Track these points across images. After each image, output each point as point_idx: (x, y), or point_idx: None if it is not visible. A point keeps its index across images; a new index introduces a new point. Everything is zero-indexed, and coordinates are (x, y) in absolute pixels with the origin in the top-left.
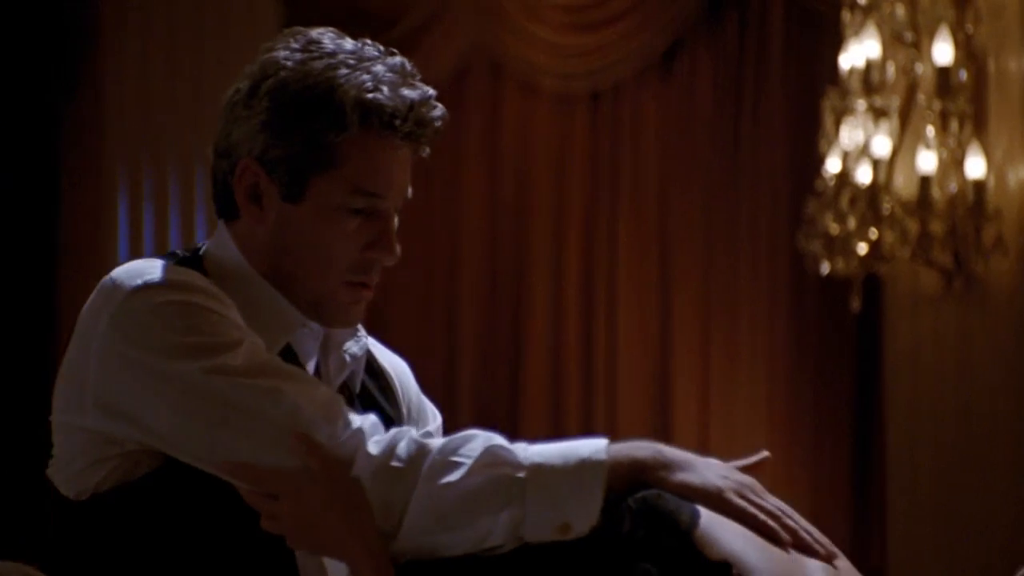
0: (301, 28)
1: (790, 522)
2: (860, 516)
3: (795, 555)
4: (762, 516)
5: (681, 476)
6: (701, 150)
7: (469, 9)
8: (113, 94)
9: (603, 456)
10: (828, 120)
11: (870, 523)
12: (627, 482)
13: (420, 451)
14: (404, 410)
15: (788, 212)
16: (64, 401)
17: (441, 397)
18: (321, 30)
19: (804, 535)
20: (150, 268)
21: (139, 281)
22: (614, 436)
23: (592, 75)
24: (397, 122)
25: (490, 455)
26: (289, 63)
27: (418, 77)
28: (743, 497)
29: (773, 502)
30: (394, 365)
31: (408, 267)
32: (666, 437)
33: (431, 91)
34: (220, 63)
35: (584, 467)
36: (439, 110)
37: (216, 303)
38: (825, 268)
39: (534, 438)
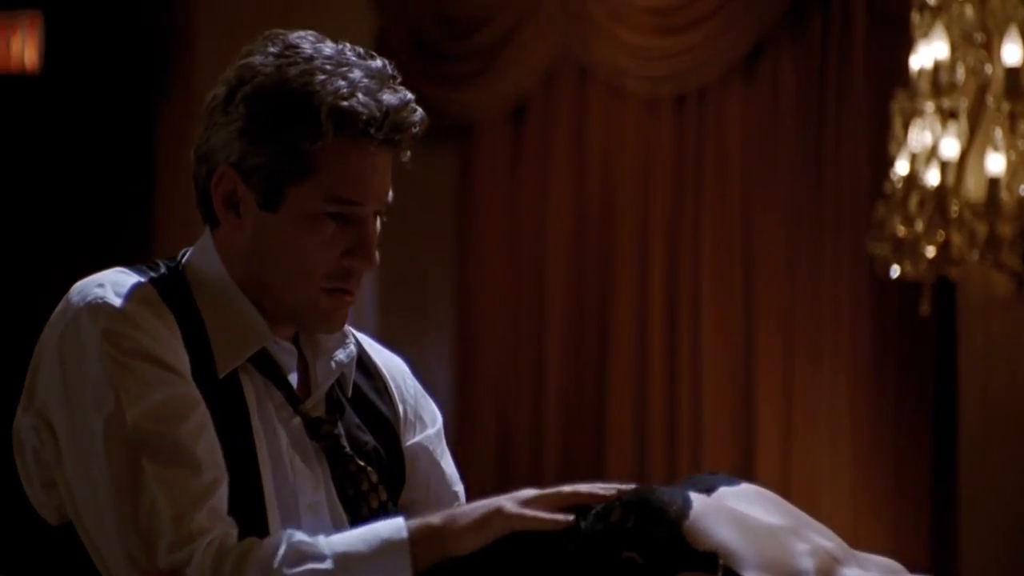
0: (281, 31)
1: (566, 490)
2: (940, 518)
3: (784, 543)
4: (538, 514)
5: (466, 521)
6: (784, 153)
7: (556, 13)
8: (206, 93)
9: (404, 534)
10: (897, 122)
11: (948, 525)
12: (433, 551)
13: (241, 561)
14: (401, 410)
15: (869, 216)
16: (26, 399)
17: (528, 399)
18: (301, 33)
19: (585, 492)
20: (103, 288)
21: (82, 301)
22: (699, 436)
23: (677, 78)
24: (372, 129)
25: (295, 552)
26: (265, 69)
27: (398, 81)
28: (522, 504)
29: (552, 491)
30: (389, 366)
31: (496, 270)
32: (749, 439)
33: (409, 96)
34: None
35: (388, 548)
36: (417, 115)
37: (156, 344)
38: (895, 271)
39: (620, 437)
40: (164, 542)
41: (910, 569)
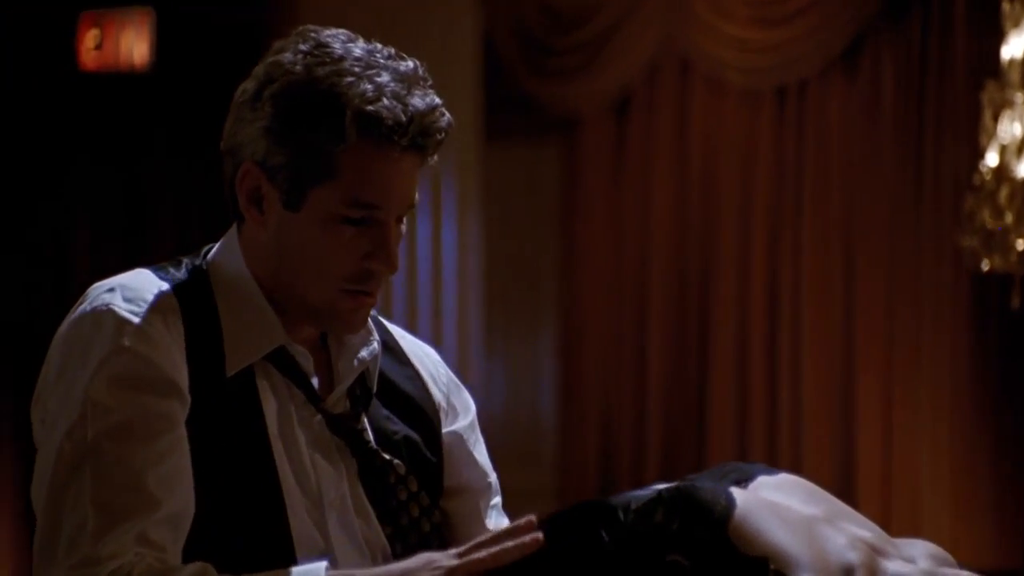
0: (314, 28)
1: (481, 554)
2: None
3: (824, 536)
4: (481, 554)
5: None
6: (884, 146)
7: (659, 6)
8: None
9: None
10: (987, 113)
11: None
12: None
13: None
14: (436, 397)
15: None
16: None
17: (632, 390)
18: (333, 31)
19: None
20: (112, 293)
21: (89, 306)
22: (798, 430)
23: (777, 70)
24: (396, 134)
25: None
26: (294, 68)
27: (428, 83)
28: (456, 555)
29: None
30: (420, 355)
31: (600, 262)
32: (848, 430)
33: (437, 100)
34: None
35: None
36: (444, 120)
37: (149, 360)
38: (985, 265)
39: (720, 425)
40: (72, 560)
41: (1011, 573)
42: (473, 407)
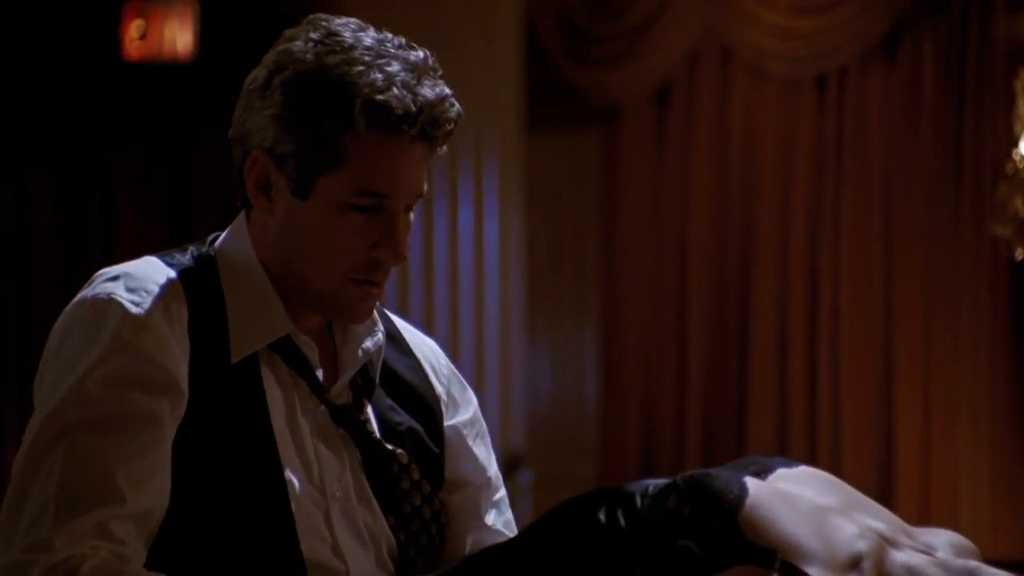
0: (324, 16)
1: None
2: None
3: (834, 525)
4: None
5: None
6: (924, 134)
7: None
8: None
9: None
10: (1020, 101)
11: None
12: None
13: None
14: (438, 387)
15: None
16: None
17: (672, 378)
18: (344, 20)
19: None
20: (115, 282)
21: (91, 293)
22: (838, 420)
23: (817, 59)
24: (406, 124)
25: None
26: (304, 56)
27: (438, 74)
28: None
29: None
30: (422, 347)
31: (640, 251)
32: (889, 422)
33: (447, 91)
34: (459, 58)
35: None
36: (454, 110)
37: (144, 354)
38: (1019, 254)
39: (760, 413)
40: (28, 540)
41: None
42: (475, 402)
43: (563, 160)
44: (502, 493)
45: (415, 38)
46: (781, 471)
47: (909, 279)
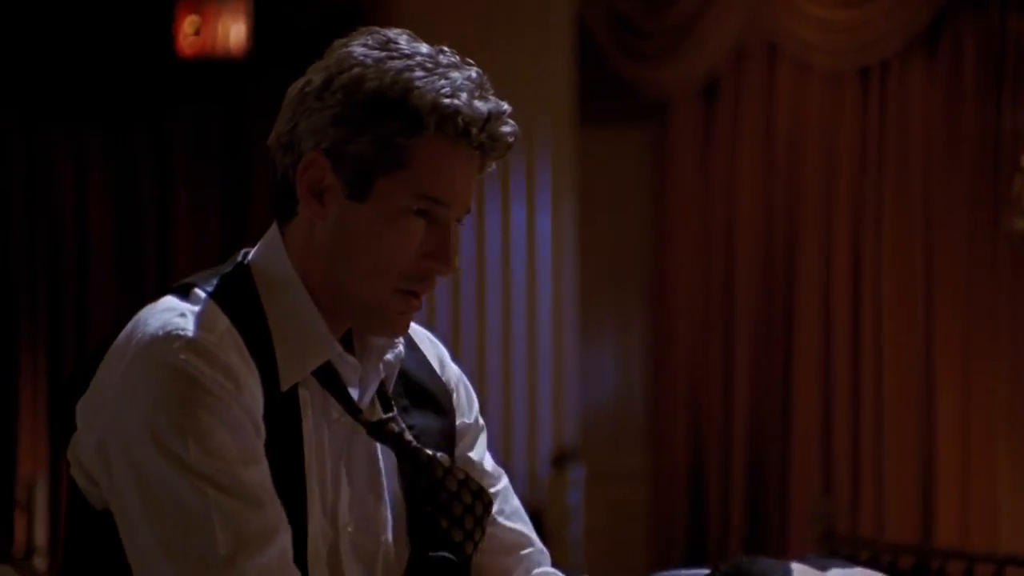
0: (377, 28)
1: None
2: None
3: None
4: None
5: None
6: (966, 126)
7: None
8: None
9: None
10: None
11: None
12: None
13: None
14: (447, 382)
15: None
16: (87, 407)
17: (719, 374)
18: (397, 31)
19: None
20: (184, 318)
21: (161, 332)
22: (881, 414)
23: (859, 51)
24: (473, 131)
25: None
26: (367, 60)
27: (492, 92)
28: None
29: None
30: (425, 341)
31: (688, 245)
32: (929, 412)
33: (506, 106)
34: (511, 53)
35: None
36: (511, 127)
37: (230, 384)
38: None
39: (805, 408)
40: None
41: None
42: (476, 406)
43: (613, 155)
44: (505, 482)
45: (469, 35)
46: (835, 571)
47: (950, 269)
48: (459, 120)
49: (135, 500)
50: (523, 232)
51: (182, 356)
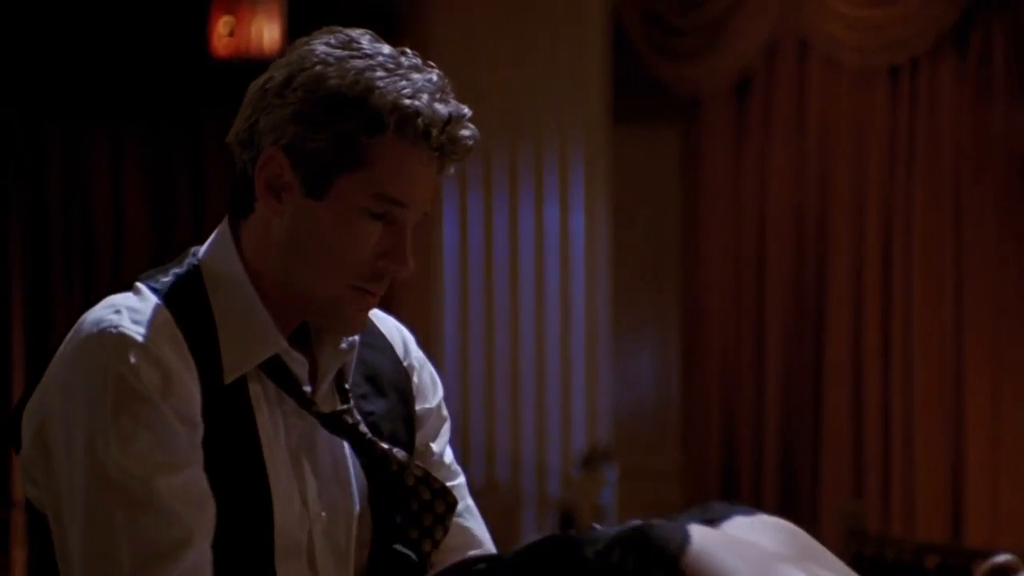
0: (339, 27)
1: None
2: None
3: (780, 572)
4: None
5: None
6: (995, 123)
7: None
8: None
9: None
10: None
11: None
12: None
13: None
14: (406, 366)
15: None
16: (29, 410)
17: (751, 372)
18: (360, 31)
19: None
20: (119, 315)
21: (95, 329)
22: (911, 414)
23: (889, 49)
24: (433, 132)
25: None
26: (329, 58)
27: (452, 95)
28: None
29: None
30: (391, 330)
31: (721, 244)
32: (958, 413)
33: (466, 111)
34: (545, 51)
35: None
36: (470, 131)
37: (166, 383)
38: None
39: (836, 410)
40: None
41: None
42: (440, 390)
43: (645, 154)
44: (461, 479)
45: (503, 34)
46: (737, 519)
47: (980, 267)
48: (419, 121)
49: (63, 496)
50: (556, 231)
51: (111, 353)
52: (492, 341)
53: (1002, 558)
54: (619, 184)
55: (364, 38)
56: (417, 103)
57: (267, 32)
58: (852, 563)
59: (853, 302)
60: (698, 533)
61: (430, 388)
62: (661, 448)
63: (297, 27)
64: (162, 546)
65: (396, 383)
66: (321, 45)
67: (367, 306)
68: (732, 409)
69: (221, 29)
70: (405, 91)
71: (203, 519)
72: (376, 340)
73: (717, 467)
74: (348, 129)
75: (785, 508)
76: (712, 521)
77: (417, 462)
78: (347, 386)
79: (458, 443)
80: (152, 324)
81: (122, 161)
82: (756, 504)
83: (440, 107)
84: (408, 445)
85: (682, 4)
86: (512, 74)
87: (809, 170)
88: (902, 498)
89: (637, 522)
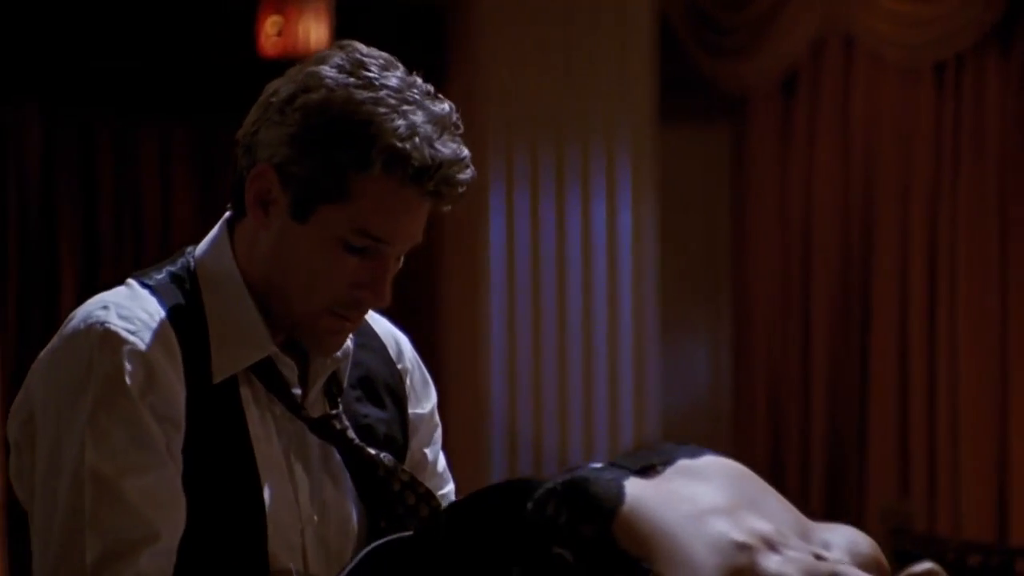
0: (354, 45)
1: None
2: None
3: (716, 535)
4: None
5: None
6: None
7: None
8: (489, 74)
9: None
10: None
11: None
12: None
13: None
14: (400, 369)
15: None
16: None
17: (798, 368)
18: (376, 54)
19: None
20: (106, 311)
21: (83, 323)
22: (956, 411)
23: (933, 45)
24: (423, 176)
25: None
26: (334, 84)
27: (459, 131)
28: None
29: None
30: (385, 332)
31: (768, 243)
32: (1004, 412)
33: (465, 152)
34: (593, 49)
35: None
36: (467, 173)
37: (146, 382)
38: None
39: (882, 408)
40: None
41: None
42: (434, 399)
43: (692, 151)
44: (451, 487)
45: (550, 32)
46: (682, 462)
47: None
48: (409, 165)
49: (36, 487)
50: (603, 230)
51: (96, 349)
52: (539, 341)
53: (922, 567)
54: (668, 184)
55: (374, 65)
56: (409, 145)
57: (315, 32)
58: (895, 561)
59: (899, 300)
60: (634, 490)
61: (423, 392)
62: (714, 446)
63: (345, 27)
64: (124, 545)
65: (390, 386)
66: (330, 69)
67: (343, 330)
68: (779, 409)
69: (269, 29)
70: (400, 130)
71: (170, 519)
72: (370, 341)
73: (765, 467)
74: (337, 161)
75: (832, 508)
76: (654, 467)
77: (404, 467)
78: (343, 387)
79: (506, 442)
80: (139, 320)
81: (170, 158)
82: (804, 503)
83: (437, 149)
84: (402, 448)
85: (729, 2)
86: (559, 72)
87: (854, 167)
88: (948, 497)
89: (577, 471)
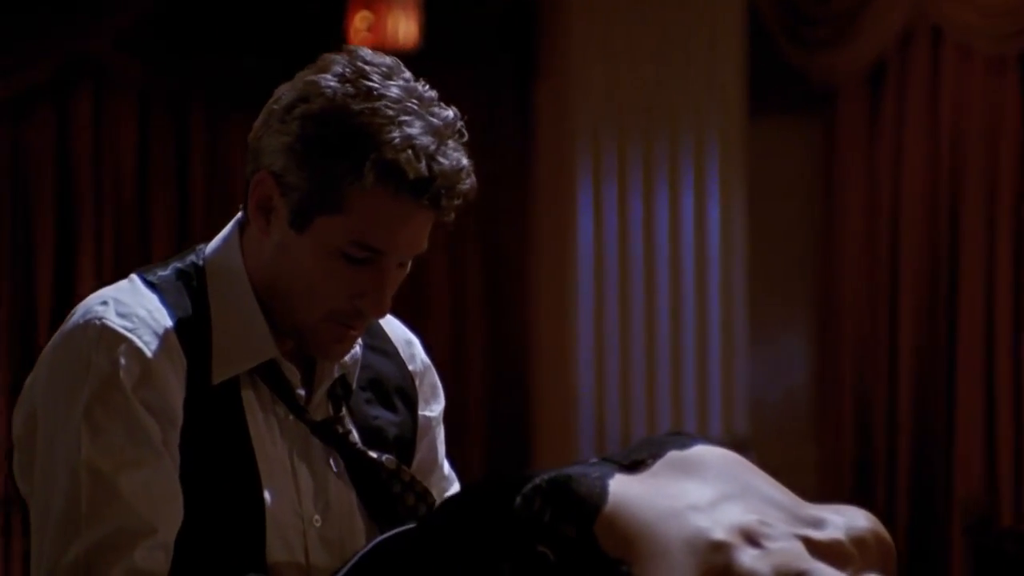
0: (358, 51)
1: None
2: None
3: (694, 535)
4: None
5: None
6: None
7: None
8: (580, 72)
9: None
10: None
11: None
12: None
13: None
14: (412, 371)
15: None
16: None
17: (884, 363)
18: (380, 59)
19: None
20: (105, 306)
21: (82, 319)
22: None
23: (1020, 35)
24: (415, 191)
25: None
26: (333, 95)
27: (463, 139)
28: None
29: None
30: (396, 333)
31: (856, 237)
32: None
33: (464, 162)
34: (682, 43)
35: None
36: (467, 182)
37: (141, 378)
38: None
39: (969, 401)
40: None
41: None
42: (442, 400)
43: (782, 144)
44: (456, 488)
45: (641, 26)
46: (671, 455)
47: None
48: (403, 178)
49: (35, 480)
50: (691, 222)
51: (93, 344)
52: (628, 333)
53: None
54: (758, 176)
55: (376, 73)
56: (403, 156)
57: (403, 27)
58: (974, 556)
59: (985, 293)
60: (617, 489)
61: (430, 392)
62: (797, 440)
63: (434, 22)
64: (119, 538)
65: (401, 388)
66: (330, 78)
67: (347, 338)
68: (866, 401)
69: (358, 24)
70: (395, 142)
71: (166, 514)
72: (382, 344)
73: (852, 459)
74: (332, 173)
75: (918, 501)
76: (644, 462)
77: (404, 466)
78: (352, 389)
79: (595, 434)
80: (137, 318)
81: None
82: (889, 497)
83: (436, 158)
84: (410, 449)
85: None
86: (648, 67)
87: (941, 159)
88: None
89: (563, 470)
